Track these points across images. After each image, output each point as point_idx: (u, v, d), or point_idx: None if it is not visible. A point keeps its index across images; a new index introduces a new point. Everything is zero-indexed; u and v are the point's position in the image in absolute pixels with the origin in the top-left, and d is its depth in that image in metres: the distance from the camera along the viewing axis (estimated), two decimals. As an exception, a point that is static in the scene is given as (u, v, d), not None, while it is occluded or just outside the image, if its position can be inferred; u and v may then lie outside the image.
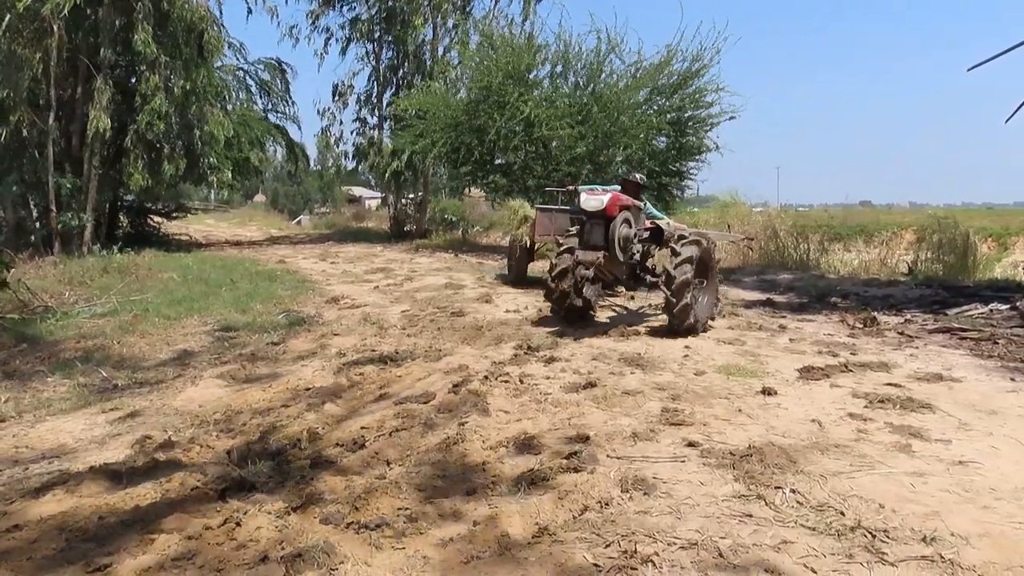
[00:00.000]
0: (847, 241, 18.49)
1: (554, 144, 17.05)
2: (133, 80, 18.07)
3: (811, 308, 9.44)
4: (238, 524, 3.33)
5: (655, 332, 7.38)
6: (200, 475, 4.10)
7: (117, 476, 4.11)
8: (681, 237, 7.52)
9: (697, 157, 18.39)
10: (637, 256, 7.60)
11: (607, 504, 3.43)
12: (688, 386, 5.35)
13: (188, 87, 16.94)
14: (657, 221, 8.20)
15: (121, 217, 20.91)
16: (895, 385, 5.42)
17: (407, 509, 3.46)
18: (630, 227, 7.21)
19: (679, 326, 7.08)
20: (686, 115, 17.71)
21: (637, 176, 8.54)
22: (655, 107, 17.75)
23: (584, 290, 7.79)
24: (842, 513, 3.27)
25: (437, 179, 26.24)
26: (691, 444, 4.17)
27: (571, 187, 9.30)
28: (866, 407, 4.88)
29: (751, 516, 3.28)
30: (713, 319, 7.77)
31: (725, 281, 12.03)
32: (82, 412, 5.49)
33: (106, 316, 9.17)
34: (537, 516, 3.33)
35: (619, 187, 8.24)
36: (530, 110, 16.74)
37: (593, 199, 6.93)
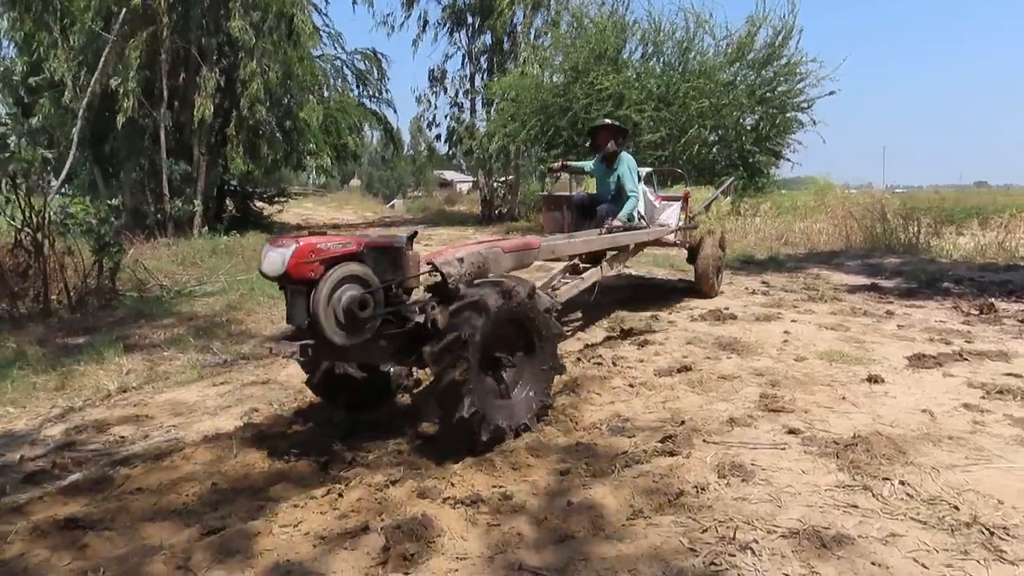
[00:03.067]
0: (960, 224, 17.41)
1: (642, 125, 16.76)
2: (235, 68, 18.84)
3: (921, 293, 8.95)
4: (340, 495, 3.46)
5: (755, 317, 7.17)
6: (303, 446, 4.28)
7: (228, 446, 4.34)
8: (477, 283, 4.12)
9: (791, 136, 17.71)
10: (390, 329, 4.07)
11: (703, 489, 3.38)
12: (788, 372, 5.18)
13: (282, 72, 17.50)
14: (629, 195, 7.13)
15: (227, 202, 21.89)
16: (1016, 375, 5.09)
17: (502, 487, 3.51)
18: (362, 286, 3.83)
19: (457, 437, 3.92)
20: (778, 90, 17.05)
21: (606, 120, 7.50)
22: (746, 83, 17.17)
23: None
24: (956, 508, 3.11)
25: (528, 162, 26.29)
26: (791, 431, 4.04)
27: (558, 164, 8.07)
28: (983, 398, 4.60)
29: (856, 507, 3.16)
30: (539, 418, 4.29)
31: (827, 264, 11.60)
32: (196, 384, 5.79)
33: (215, 295, 9.65)
34: (631, 498, 3.31)
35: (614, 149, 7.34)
36: (612, 86, 16.50)
37: (273, 252, 3.74)
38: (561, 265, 7.05)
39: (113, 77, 15.16)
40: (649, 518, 3.14)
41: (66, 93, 14.66)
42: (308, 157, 21.37)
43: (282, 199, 25.46)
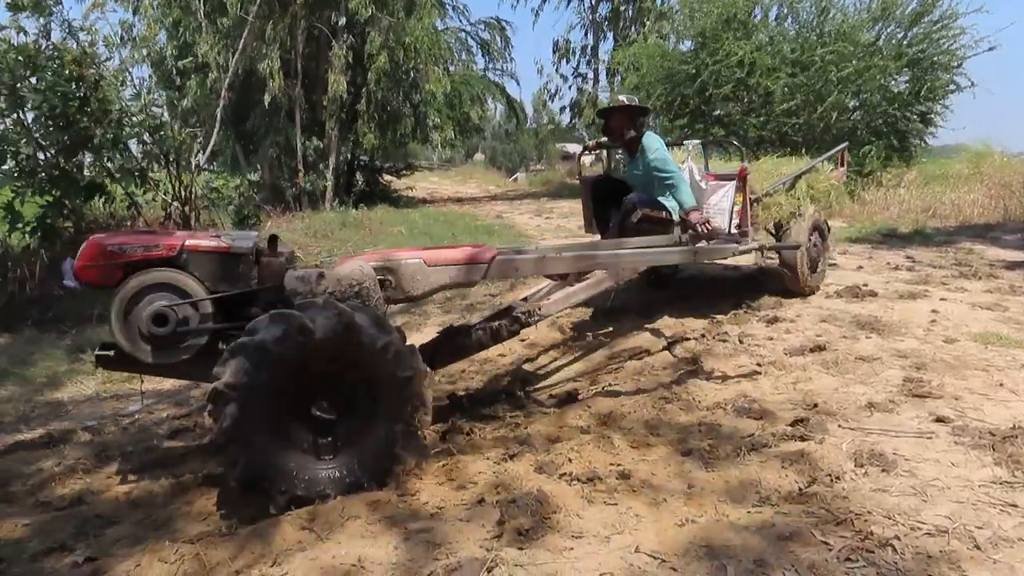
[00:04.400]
0: None
1: (776, 93, 15.88)
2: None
3: (1094, 271, 8.03)
4: (457, 466, 3.48)
5: (898, 295, 6.66)
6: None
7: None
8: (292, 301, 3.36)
9: (943, 99, 16.25)
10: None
11: (838, 478, 3.15)
12: (936, 354, 4.76)
13: (405, 44, 17.77)
14: (664, 178, 5.36)
15: (356, 176, 22.66)
16: None
17: (619, 465, 3.41)
18: (179, 297, 3.28)
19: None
20: (928, 49, 15.65)
21: (623, 98, 5.77)
22: (891, 43, 15.88)
23: None
24: None
25: (654, 131, 25.64)
26: (940, 419, 3.70)
27: (593, 143, 6.49)
28: None
29: (1016, 506, 2.84)
30: (379, 481, 3.29)
31: (981, 239, 10.65)
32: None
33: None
34: (758, 485, 3.13)
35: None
36: (744, 53, 15.71)
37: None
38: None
39: (253, 58, 15.91)
40: (777, 506, 2.96)
41: (211, 75, 15.54)
42: (433, 131, 21.74)
43: (408, 173, 26.09)
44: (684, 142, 6.34)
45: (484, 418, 4.20)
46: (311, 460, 3.19)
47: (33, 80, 7.67)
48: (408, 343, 3.42)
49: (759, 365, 4.72)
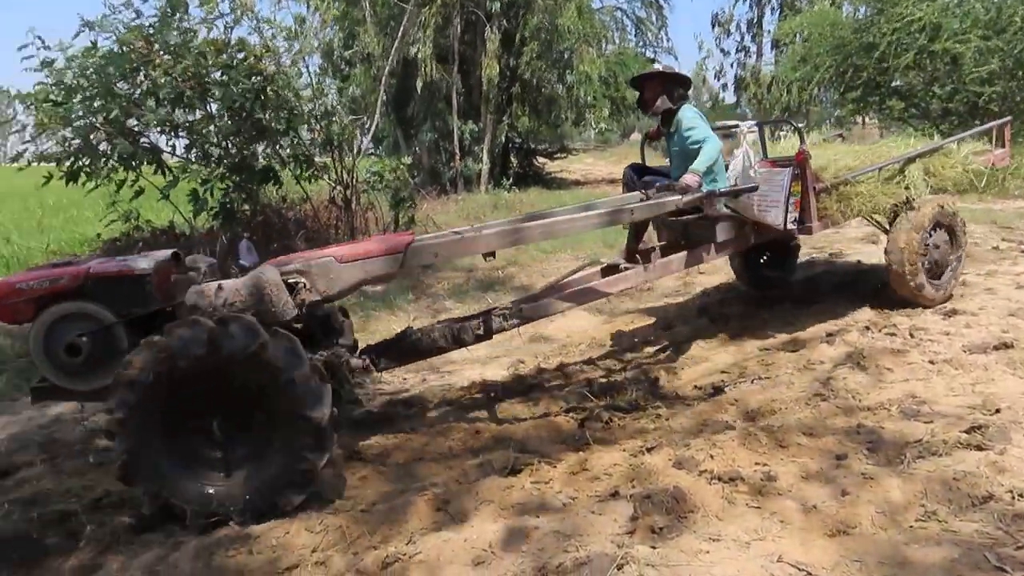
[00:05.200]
0: None
1: (966, 59, 14.31)
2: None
3: None
4: (592, 456, 3.42)
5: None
6: (563, 403, 4.31)
7: (494, 396, 4.51)
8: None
9: None
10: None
11: (1021, 496, 2.78)
12: None
13: (558, 26, 17.68)
14: (696, 150, 4.68)
15: (511, 159, 22.95)
16: None
17: (766, 465, 3.21)
18: (94, 324, 3.31)
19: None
20: None
21: (658, 65, 5.22)
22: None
23: None
24: None
25: (821, 109, 24.07)
26: None
27: (653, 129, 5.45)
28: None
29: None
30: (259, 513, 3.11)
31: None
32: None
33: (494, 248, 10.16)
34: (924, 496, 2.83)
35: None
36: (927, 15, 14.26)
37: None
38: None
39: (412, 44, 16.46)
40: (945, 522, 2.67)
41: (374, 63, 16.24)
42: (587, 112, 21.55)
43: (563, 155, 26.09)
44: (739, 124, 5.53)
45: (623, 408, 4.09)
46: (209, 476, 3.14)
47: (218, 74, 8.30)
48: (289, 345, 3.09)
49: (932, 363, 4.28)
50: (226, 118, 8.44)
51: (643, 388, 4.40)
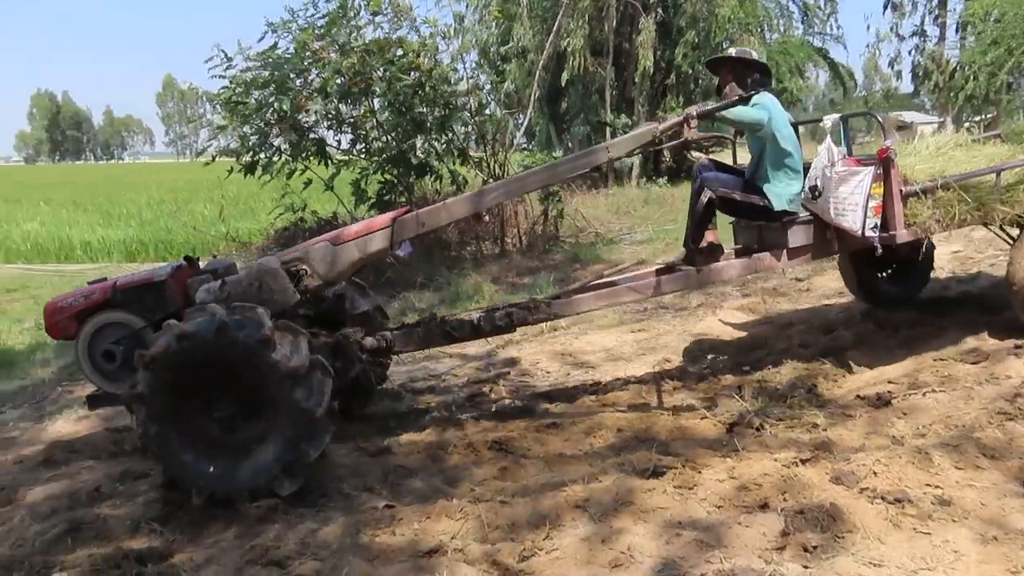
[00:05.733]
0: None
1: None
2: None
3: None
4: (741, 464, 3.24)
5: None
6: (710, 405, 4.14)
7: (637, 393, 4.41)
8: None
9: None
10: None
11: None
12: None
13: (717, 15, 17.05)
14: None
15: (664, 152, 22.45)
16: None
17: (938, 488, 2.91)
18: (114, 330, 3.69)
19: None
20: None
21: (732, 50, 4.66)
22: None
23: None
24: None
25: (1015, 96, 21.74)
26: None
27: (683, 119, 4.11)
28: None
29: None
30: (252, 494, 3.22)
31: None
32: (615, 330, 6.04)
33: (642, 243, 9.98)
34: None
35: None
36: None
37: None
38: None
39: (565, 38, 16.47)
40: None
41: (529, 57, 16.42)
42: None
43: (719, 148, 25.20)
44: (824, 118, 4.88)
45: (776, 414, 3.86)
46: (215, 456, 3.24)
47: (380, 71, 8.68)
48: (292, 337, 3.26)
49: None
50: (387, 113, 8.82)
51: (799, 395, 4.13)
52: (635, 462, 3.38)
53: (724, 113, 4.17)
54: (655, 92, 18.86)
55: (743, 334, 5.53)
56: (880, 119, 4.64)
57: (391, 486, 3.39)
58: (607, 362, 5.21)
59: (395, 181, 9.22)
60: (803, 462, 3.22)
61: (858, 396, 4.08)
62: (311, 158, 8.83)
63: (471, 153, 9.83)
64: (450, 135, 9.30)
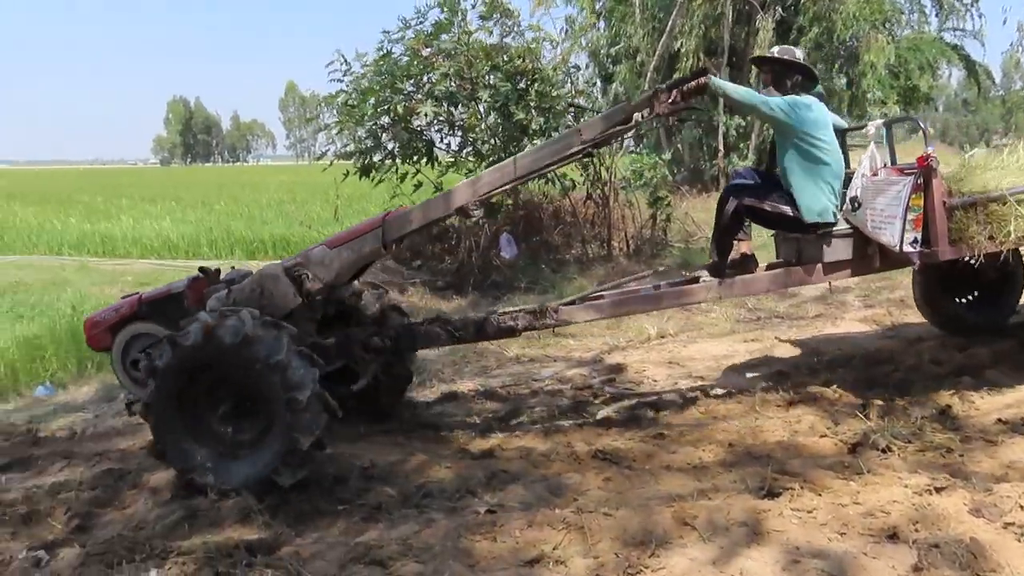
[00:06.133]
0: None
1: None
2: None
3: None
4: (866, 488, 3.01)
5: None
6: (830, 422, 3.89)
7: (750, 406, 4.20)
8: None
9: None
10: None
11: None
12: None
13: (842, 12, 16.23)
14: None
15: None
16: None
17: (1099, 527, 2.60)
18: (143, 340, 3.95)
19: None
20: None
21: (775, 50, 4.38)
22: None
23: None
24: None
25: None
26: None
27: (652, 92, 3.99)
28: None
29: None
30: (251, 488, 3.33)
31: None
32: (727, 338, 5.81)
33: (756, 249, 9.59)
34: None
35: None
36: None
37: None
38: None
39: (678, 38, 16.11)
40: None
41: (639, 58, 16.16)
42: (871, 106, 19.62)
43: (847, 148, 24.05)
44: (868, 124, 4.46)
45: (906, 436, 3.57)
46: (222, 453, 3.43)
47: (487, 76, 8.74)
48: (274, 333, 3.33)
49: None
50: (493, 117, 8.85)
51: (931, 416, 3.81)
52: (748, 479, 3.21)
53: (729, 92, 4.02)
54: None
55: (867, 348, 5.19)
56: (922, 125, 4.28)
57: (493, 490, 3.34)
58: (717, 372, 5.00)
59: (502, 184, 9.25)
60: (937, 490, 2.96)
61: (999, 420, 3.74)
62: (420, 160, 8.99)
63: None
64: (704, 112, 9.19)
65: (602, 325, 6.27)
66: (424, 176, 9.14)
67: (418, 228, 4.08)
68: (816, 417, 3.95)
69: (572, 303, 4.15)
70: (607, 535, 2.82)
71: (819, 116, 4.05)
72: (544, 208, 9.95)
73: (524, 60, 8.66)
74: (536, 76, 8.67)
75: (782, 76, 4.21)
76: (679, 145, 18.75)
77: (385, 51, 8.67)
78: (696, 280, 4.21)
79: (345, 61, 8.74)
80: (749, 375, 4.84)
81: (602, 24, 19.67)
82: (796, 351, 5.29)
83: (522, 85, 8.61)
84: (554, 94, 8.99)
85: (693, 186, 16.28)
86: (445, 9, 8.44)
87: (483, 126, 8.98)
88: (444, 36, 8.48)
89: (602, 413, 4.33)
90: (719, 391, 4.55)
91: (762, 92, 4.25)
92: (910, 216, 3.77)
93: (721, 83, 4.03)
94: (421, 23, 8.59)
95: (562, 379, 5.15)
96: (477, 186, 3.95)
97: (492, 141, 9.10)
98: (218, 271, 4.12)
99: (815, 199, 4.00)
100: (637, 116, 3.91)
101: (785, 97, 4.06)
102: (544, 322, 4.03)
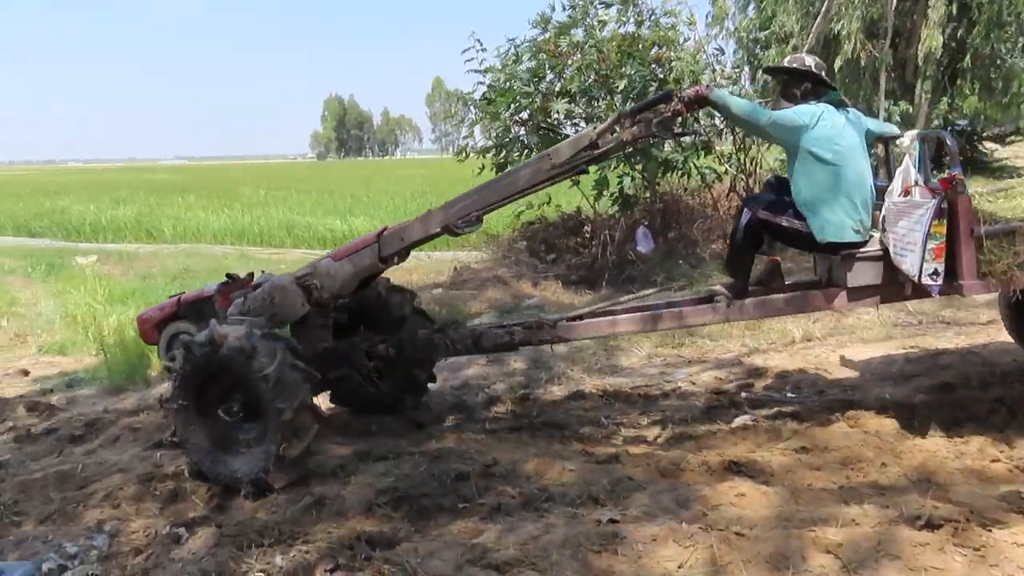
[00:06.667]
0: None
1: None
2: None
3: None
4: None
5: None
6: (1004, 445, 3.45)
7: (908, 422, 3.79)
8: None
9: None
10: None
11: None
12: None
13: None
14: None
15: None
16: None
17: None
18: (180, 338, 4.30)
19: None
20: None
21: (786, 60, 4.00)
22: None
23: None
24: None
25: None
26: None
27: (616, 118, 3.67)
28: None
29: None
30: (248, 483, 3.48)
31: None
32: (881, 344, 5.33)
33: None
34: None
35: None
36: None
37: None
38: None
39: (835, 20, 15.06)
40: None
41: (790, 43, 15.26)
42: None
43: (1019, 138, 21.82)
44: (903, 135, 3.97)
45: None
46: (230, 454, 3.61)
47: (623, 68, 8.48)
48: (271, 344, 3.47)
49: None
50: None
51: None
52: (903, 506, 2.86)
53: (730, 105, 3.67)
54: (941, 76, 16.69)
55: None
56: (948, 142, 3.67)
57: (617, 498, 3.19)
58: (869, 382, 4.58)
59: (641, 176, 8.96)
60: None
61: None
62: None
63: (718, 148, 9.29)
64: (692, 130, 8.83)
65: (741, 326, 5.92)
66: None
67: (414, 243, 3.99)
68: (986, 438, 3.51)
69: (575, 318, 4.02)
70: (737, 556, 2.61)
71: (831, 124, 3.64)
72: (683, 201, 9.57)
73: (661, 48, 8.36)
74: (673, 63, 8.33)
75: (790, 85, 3.94)
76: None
77: (515, 55, 8.64)
78: (711, 299, 3.89)
79: (480, 45, 8.77)
80: (907, 387, 4.39)
81: (751, 8, 18.80)
82: (963, 361, 4.76)
83: (660, 75, 8.30)
84: (694, 81, 8.61)
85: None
86: (574, 7, 8.33)
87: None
88: (575, 31, 8.34)
89: (738, 421, 4.05)
90: (871, 403, 4.14)
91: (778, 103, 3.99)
92: (930, 245, 3.30)
93: (723, 95, 3.73)
94: (548, 24, 8.51)
95: (696, 382, 4.90)
96: (450, 211, 3.88)
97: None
98: (250, 275, 4.41)
99: (828, 215, 3.58)
100: (599, 141, 3.63)
101: (794, 108, 3.72)
102: (541, 337, 3.94)
